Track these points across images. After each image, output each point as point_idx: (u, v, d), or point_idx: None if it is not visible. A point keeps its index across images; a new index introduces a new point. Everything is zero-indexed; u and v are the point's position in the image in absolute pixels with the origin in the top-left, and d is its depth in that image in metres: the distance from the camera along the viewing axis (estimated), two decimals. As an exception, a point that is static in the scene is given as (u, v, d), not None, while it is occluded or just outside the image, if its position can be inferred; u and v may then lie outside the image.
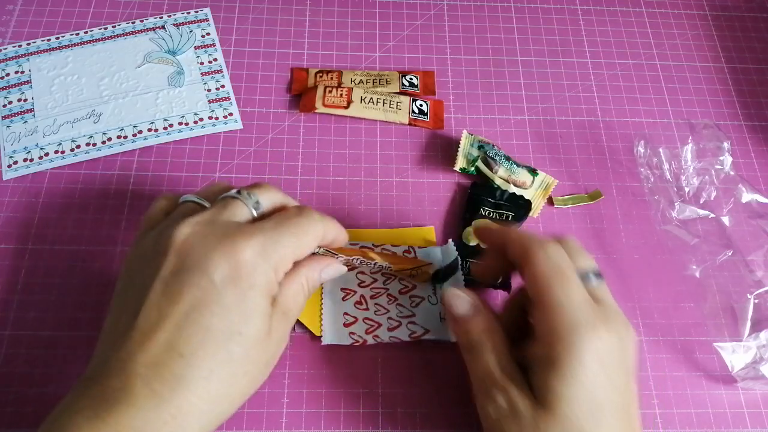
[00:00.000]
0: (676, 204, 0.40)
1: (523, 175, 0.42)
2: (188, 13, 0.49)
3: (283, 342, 0.30)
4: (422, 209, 0.42)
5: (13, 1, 0.48)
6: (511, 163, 0.42)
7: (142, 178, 0.42)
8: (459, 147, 0.43)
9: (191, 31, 0.48)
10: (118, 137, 0.43)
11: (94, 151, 0.42)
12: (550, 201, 0.43)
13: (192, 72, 0.46)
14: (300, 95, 0.46)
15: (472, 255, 0.39)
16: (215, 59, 0.47)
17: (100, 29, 0.47)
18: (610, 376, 0.27)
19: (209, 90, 0.45)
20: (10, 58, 0.45)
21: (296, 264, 0.30)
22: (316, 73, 0.46)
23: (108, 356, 0.26)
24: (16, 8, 0.48)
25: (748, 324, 0.37)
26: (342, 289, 0.38)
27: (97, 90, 0.44)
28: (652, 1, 0.53)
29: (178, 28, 0.48)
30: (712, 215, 0.40)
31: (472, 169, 0.42)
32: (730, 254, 0.39)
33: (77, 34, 0.47)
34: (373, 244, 0.39)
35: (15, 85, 0.44)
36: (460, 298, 0.32)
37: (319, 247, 0.31)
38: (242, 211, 0.29)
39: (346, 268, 0.33)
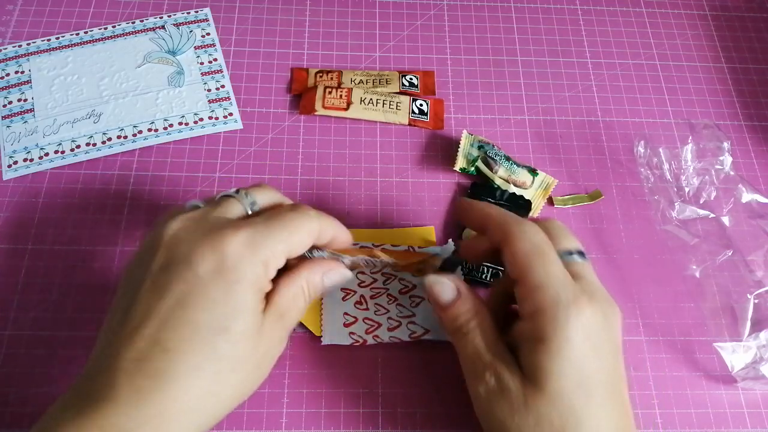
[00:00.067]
0: (676, 204, 0.40)
1: (523, 175, 0.42)
2: (188, 13, 0.49)
3: (278, 344, 0.29)
4: (422, 209, 0.42)
5: (13, 1, 0.48)
6: (511, 163, 0.42)
7: (142, 178, 0.42)
8: (459, 147, 0.43)
9: (191, 31, 0.48)
10: (118, 137, 0.43)
11: (94, 151, 0.42)
12: (550, 201, 0.43)
13: (192, 72, 0.46)
14: (300, 95, 0.46)
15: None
16: (215, 59, 0.47)
17: (100, 29, 0.47)
18: (597, 351, 0.27)
19: (209, 90, 0.45)
20: (10, 58, 0.45)
21: (297, 266, 0.29)
22: (316, 73, 0.46)
23: (99, 353, 0.26)
24: (16, 8, 0.48)
25: (748, 324, 0.37)
26: (342, 289, 0.38)
27: (97, 90, 0.44)
28: (652, 1, 0.53)
29: (178, 28, 0.48)
30: (712, 215, 0.40)
31: (472, 169, 0.42)
32: (730, 254, 0.39)
33: (77, 34, 0.47)
34: (373, 244, 0.39)
35: (15, 85, 0.44)
36: (443, 284, 0.31)
37: (322, 249, 0.31)
38: (236, 209, 0.29)
39: (351, 274, 0.32)
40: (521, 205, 0.41)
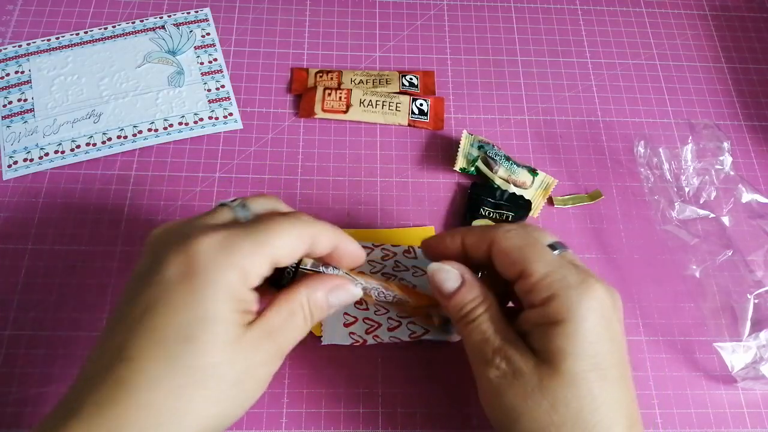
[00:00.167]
0: (676, 204, 0.40)
1: (523, 175, 0.42)
2: (188, 13, 0.49)
3: (266, 364, 0.26)
4: (422, 209, 0.42)
5: (13, 1, 0.48)
6: (511, 163, 0.42)
7: (142, 178, 0.42)
8: (459, 147, 0.43)
9: (191, 31, 0.48)
10: (118, 137, 0.43)
11: (94, 151, 0.42)
12: (550, 201, 0.43)
13: (192, 72, 0.46)
14: (300, 95, 0.46)
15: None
16: (215, 59, 0.47)
17: (100, 29, 0.47)
18: (610, 332, 0.27)
19: (209, 90, 0.45)
20: (10, 58, 0.45)
21: (298, 282, 0.28)
22: (316, 73, 0.46)
23: (84, 367, 0.25)
24: (16, 8, 0.48)
25: (748, 324, 0.37)
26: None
27: (97, 90, 0.44)
28: (652, 1, 0.53)
29: (178, 28, 0.48)
30: (712, 215, 0.40)
31: (472, 169, 0.42)
32: (730, 254, 0.39)
33: (77, 34, 0.47)
34: (373, 244, 0.39)
35: (15, 85, 0.44)
36: (447, 272, 0.30)
37: (337, 267, 0.29)
38: (225, 216, 0.27)
39: (361, 292, 0.30)
40: (521, 205, 0.41)
